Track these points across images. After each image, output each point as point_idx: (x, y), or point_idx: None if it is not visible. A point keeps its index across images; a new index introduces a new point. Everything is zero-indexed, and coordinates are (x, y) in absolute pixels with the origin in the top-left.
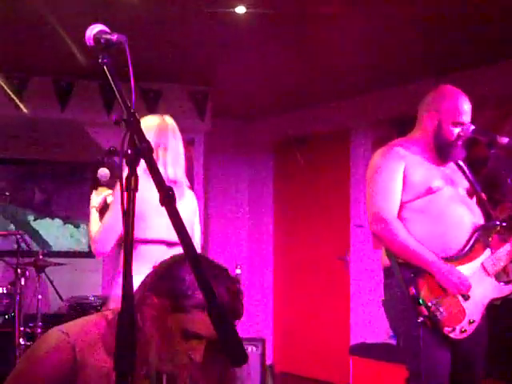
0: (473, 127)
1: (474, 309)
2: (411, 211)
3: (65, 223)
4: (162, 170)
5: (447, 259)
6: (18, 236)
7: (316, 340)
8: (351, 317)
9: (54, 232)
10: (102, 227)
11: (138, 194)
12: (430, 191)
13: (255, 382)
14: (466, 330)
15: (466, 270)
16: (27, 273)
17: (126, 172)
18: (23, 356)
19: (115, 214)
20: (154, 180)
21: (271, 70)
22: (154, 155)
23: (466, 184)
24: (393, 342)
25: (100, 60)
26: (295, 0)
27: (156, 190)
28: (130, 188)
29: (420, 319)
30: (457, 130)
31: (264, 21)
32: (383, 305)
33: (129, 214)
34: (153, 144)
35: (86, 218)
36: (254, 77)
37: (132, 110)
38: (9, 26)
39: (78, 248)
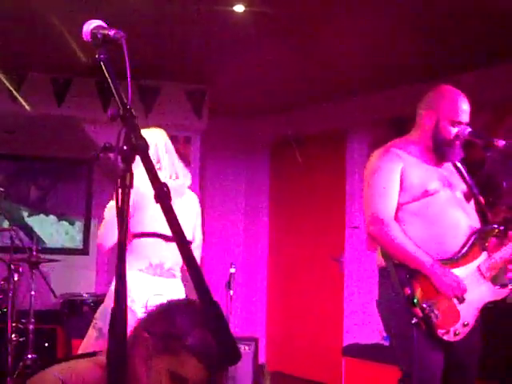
0: (469, 130)
1: (468, 312)
2: (408, 213)
3: (59, 220)
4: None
5: (443, 262)
6: (12, 232)
7: (309, 340)
8: (344, 317)
9: (48, 228)
10: (103, 223)
11: (135, 187)
12: (426, 194)
13: (248, 382)
14: (459, 333)
15: (462, 272)
16: (21, 269)
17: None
18: None
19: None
20: (148, 176)
21: (268, 69)
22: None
23: (464, 187)
24: (386, 343)
25: (97, 56)
26: None
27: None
28: (125, 185)
29: (414, 320)
30: (455, 130)
31: (262, 19)
32: (377, 305)
33: (122, 213)
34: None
35: (81, 215)
36: (252, 76)
37: (128, 107)
38: (7, 23)
39: (73, 245)
